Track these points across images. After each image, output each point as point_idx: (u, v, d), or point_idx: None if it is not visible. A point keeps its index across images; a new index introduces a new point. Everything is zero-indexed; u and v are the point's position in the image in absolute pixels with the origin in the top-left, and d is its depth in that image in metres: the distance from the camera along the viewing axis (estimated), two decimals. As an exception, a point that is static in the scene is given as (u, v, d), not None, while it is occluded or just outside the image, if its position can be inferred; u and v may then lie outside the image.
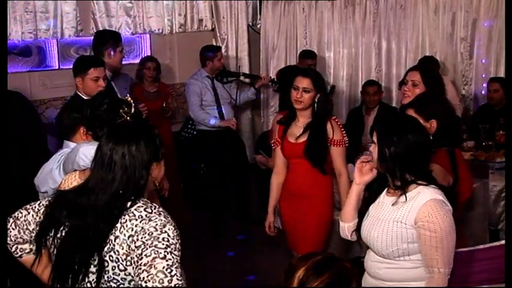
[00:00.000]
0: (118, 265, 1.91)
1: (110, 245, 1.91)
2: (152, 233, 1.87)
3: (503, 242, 2.76)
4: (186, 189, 5.91)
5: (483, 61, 6.44)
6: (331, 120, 3.58)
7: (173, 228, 1.91)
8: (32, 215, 2.09)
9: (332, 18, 6.66)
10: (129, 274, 1.90)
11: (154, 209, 1.96)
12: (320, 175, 3.58)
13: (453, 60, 6.51)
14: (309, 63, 5.91)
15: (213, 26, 6.71)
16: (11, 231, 2.13)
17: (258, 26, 6.88)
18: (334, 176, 3.67)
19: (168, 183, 2.94)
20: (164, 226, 1.89)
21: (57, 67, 5.78)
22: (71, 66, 3.98)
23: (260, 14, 6.80)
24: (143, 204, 1.97)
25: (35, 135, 3.96)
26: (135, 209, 1.94)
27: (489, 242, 4.05)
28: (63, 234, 1.99)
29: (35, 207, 2.11)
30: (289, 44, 6.74)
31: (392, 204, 2.42)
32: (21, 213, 2.12)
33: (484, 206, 4.49)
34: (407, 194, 2.38)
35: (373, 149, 2.47)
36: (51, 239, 2.01)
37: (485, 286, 2.81)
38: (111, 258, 1.92)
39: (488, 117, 5.37)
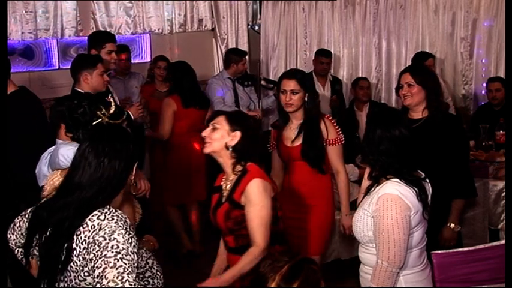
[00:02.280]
0: (78, 275, 1.95)
1: (69, 256, 1.95)
2: (101, 243, 1.88)
3: (503, 242, 2.76)
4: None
5: (483, 61, 6.45)
6: (325, 119, 3.56)
7: (123, 232, 1.91)
8: (24, 221, 2.13)
9: (332, 18, 6.66)
10: (90, 284, 1.93)
11: (108, 214, 1.96)
12: (319, 175, 3.57)
13: (453, 60, 6.51)
14: (322, 60, 6.07)
15: (213, 26, 6.71)
16: (10, 236, 2.17)
17: (258, 26, 6.88)
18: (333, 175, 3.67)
19: (149, 183, 2.96)
20: (113, 233, 1.90)
21: (57, 67, 5.78)
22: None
23: (260, 14, 6.80)
24: (98, 211, 1.97)
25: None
26: (89, 219, 1.95)
27: (489, 242, 4.06)
28: (48, 234, 2.02)
29: (27, 213, 2.15)
30: (289, 44, 6.74)
31: (367, 194, 2.58)
32: (18, 218, 2.16)
33: (484, 206, 4.50)
34: (379, 186, 2.51)
35: None
36: (36, 242, 2.05)
37: (485, 286, 2.82)
38: (71, 268, 1.96)
39: (488, 117, 5.37)
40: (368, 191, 2.60)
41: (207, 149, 2.76)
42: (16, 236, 2.14)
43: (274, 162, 3.73)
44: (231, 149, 2.71)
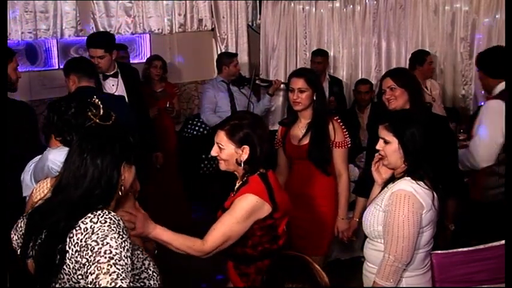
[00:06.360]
0: (71, 278, 1.94)
1: (63, 258, 1.93)
2: (94, 248, 1.86)
3: (503, 242, 2.76)
4: (188, 190, 5.92)
5: (483, 61, 6.44)
6: (333, 120, 3.56)
7: (116, 236, 1.88)
8: (25, 222, 2.12)
9: (332, 18, 6.65)
10: (83, 287, 1.91)
11: (101, 217, 1.93)
12: (323, 176, 3.56)
13: (453, 60, 6.51)
14: (317, 60, 6.11)
15: (213, 26, 6.71)
16: (13, 236, 2.17)
17: (258, 25, 6.87)
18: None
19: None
20: (106, 237, 1.87)
21: (57, 67, 5.78)
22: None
23: (260, 13, 6.80)
24: (91, 213, 1.95)
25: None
26: (82, 222, 1.93)
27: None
28: (43, 237, 2.01)
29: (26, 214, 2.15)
30: (289, 44, 6.73)
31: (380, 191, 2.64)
32: (20, 219, 2.16)
33: (483, 205, 4.49)
34: (393, 183, 2.57)
35: (382, 146, 2.60)
36: (33, 244, 2.04)
37: (485, 286, 2.82)
38: (64, 271, 1.94)
39: (488, 117, 5.36)
40: (383, 188, 2.64)
41: (222, 167, 2.69)
42: (17, 236, 2.14)
43: (280, 159, 3.73)
44: (243, 165, 2.61)
